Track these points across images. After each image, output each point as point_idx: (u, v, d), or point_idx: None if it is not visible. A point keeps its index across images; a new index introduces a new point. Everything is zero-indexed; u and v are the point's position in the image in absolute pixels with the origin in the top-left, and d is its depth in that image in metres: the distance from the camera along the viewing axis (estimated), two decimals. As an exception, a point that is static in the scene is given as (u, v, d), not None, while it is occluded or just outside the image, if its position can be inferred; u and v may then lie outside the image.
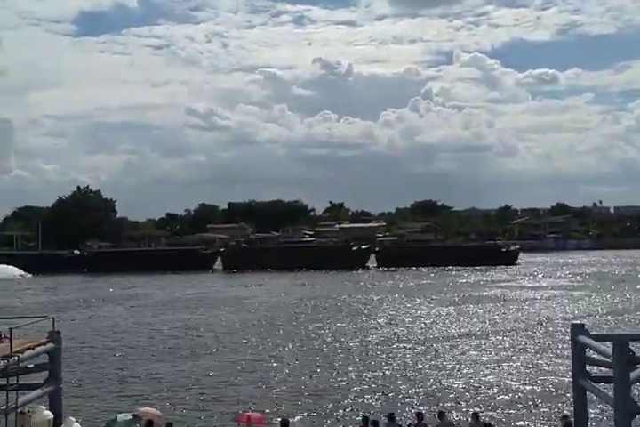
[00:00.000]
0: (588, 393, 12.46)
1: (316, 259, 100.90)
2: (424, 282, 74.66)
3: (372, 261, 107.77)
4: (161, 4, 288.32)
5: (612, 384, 10.56)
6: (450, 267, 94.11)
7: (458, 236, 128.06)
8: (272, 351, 32.76)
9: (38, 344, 15.50)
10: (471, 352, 31.58)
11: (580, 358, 12.56)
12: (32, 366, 15.58)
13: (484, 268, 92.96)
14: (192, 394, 24.65)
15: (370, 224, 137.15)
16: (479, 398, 22.99)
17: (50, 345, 15.86)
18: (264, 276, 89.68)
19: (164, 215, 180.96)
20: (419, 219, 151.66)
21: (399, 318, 44.52)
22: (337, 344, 34.66)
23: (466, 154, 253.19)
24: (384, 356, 31.20)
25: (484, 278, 77.60)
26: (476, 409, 19.35)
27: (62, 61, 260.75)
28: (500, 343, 33.90)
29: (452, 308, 49.11)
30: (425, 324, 41.26)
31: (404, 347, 33.32)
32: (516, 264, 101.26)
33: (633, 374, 10.17)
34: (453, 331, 38.24)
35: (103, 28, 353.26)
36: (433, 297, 56.61)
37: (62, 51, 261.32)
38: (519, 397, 23.14)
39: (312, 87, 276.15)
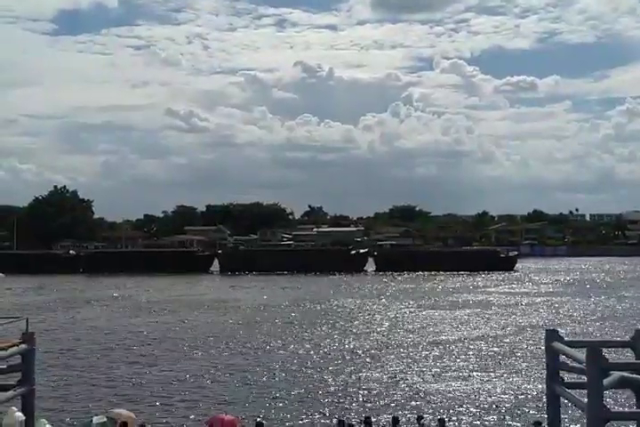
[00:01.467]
0: (561, 399, 12.55)
1: (315, 262, 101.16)
2: (418, 286, 74.89)
3: (369, 265, 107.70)
4: (141, 5, 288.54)
5: (585, 390, 10.64)
6: (448, 272, 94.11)
7: (436, 241, 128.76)
8: (251, 355, 32.69)
9: (11, 345, 15.32)
10: (448, 357, 31.68)
11: (553, 363, 12.64)
12: (4, 367, 15.41)
13: (483, 273, 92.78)
14: (166, 397, 24.51)
15: (348, 228, 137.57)
16: (452, 404, 23.07)
17: (23, 346, 15.68)
18: (259, 278, 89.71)
19: (141, 217, 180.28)
20: (397, 223, 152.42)
21: (383, 322, 44.47)
22: (319, 349, 34.63)
23: (445, 159, 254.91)
24: (362, 360, 31.24)
25: (485, 283, 77.97)
26: (443, 416, 19.36)
27: (40, 60, 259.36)
28: (478, 349, 34.04)
29: (440, 312, 49.26)
30: (409, 329, 41.24)
31: (383, 352, 33.37)
32: (514, 270, 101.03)
33: (606, 381, 10.25)
34: (437, 336, 38.32)
35: (83, 28, 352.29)
36: (423, 302, 56.82)
37: (41, 49, 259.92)
38: (492, 403, 23.25)
39: (293, 90, 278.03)
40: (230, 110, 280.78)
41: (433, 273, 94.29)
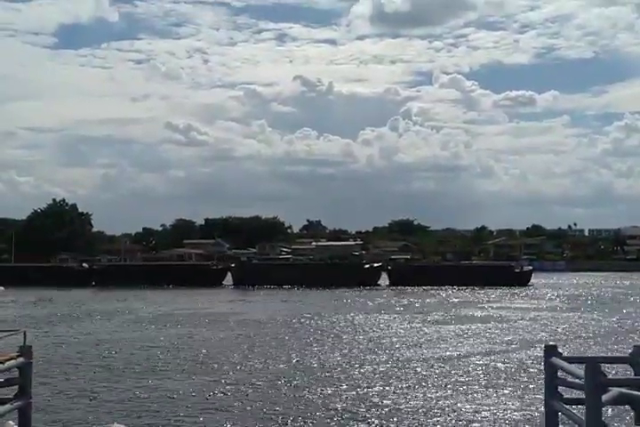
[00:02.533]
0: (560, 415, 12.51)
1: (329, 276, 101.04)
2: (431, 301, 74.73)
3: (383, 279, 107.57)
4: (142, 19, 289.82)
5: (584, 406, 10.61)
6: (463, 287, 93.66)
7: (435, 255, 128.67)
8: (246, 373, 32.50)
9: (8, 358, 15.28)
10: (446, 374, 31.57)
11: (552, 379, 12.62)
12: (2, 380, 15.36)
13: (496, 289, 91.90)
14: (163, 413, 24.40)
15: (346, 242, 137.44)
16: (450, 422, 22.96)
17: (20, 360, 15.64)
18: (271, 292, 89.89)
19: (140, 230, 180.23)
20: (396, 238, 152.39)
21: (383, 338, 43.98)
22: (320, 366, 34.48)
23: (443, 174, 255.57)
24: (356, 377, 31.12)
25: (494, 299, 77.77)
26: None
27: (41, 73, 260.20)
28: (479, 365, 33.93)
29: (453, 327, 48.86)
30: (413, 344, 40.94)
31: (382, 369, 33.23)
32: (528, 285, 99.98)
33: (605, 397, 10.23)
34: (441, 352, 38.19)
35: (83, 42, 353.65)
36: (434, 317, 56.54)
37: (41, 63, 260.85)
38: (490, 419, 23.14)
39: (292, 104, 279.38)
40: (229, 124, 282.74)
41: (446, 288, 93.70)
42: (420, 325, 51.22)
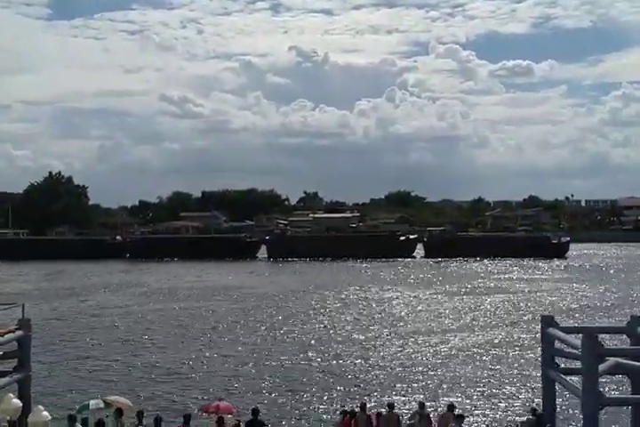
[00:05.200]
0: (557, 385, 12.59)
1: (363, 247, 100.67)
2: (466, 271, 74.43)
3: (418, 251, 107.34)
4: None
5: (580, 376, 10.67)
6: (498, 258, 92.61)
7: (432, 227, 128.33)
8: (250, 344, 32.63)
9: (7, 331, 15.33)
10: (452, 344, 31.82)
11: (549, 350, 12.69)
12: (1, 353, 15.43)
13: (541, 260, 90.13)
14: (163, 384, 24.60)
15: (343, 215, 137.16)
16: (452, 390, 23.17)
17: (19, 333, 15.70)
18: (305, 264, 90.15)
19: (136, 203, 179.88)
20: (393, 209, 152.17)
21: (394, 309, 44.35)
22: (337, 337, 34.58)
23: (440, 145, 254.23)
24: (364, 348, 31.37)
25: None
26: (452, 400, 19.47)
27: (35, 45, 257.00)
28: (482, 335, 34.18)
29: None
30: (428, 317, 41.05)
31: (388, 340, 33.44)
32: (565, 257, 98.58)
33: (601, 367, 10.29)
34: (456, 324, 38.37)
35: (76, 12, 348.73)
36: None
37: (35, 34, 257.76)
38: (490, 388, 23.36)
39: (287, 75, 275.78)
40: (225, 96, 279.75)
41: (480, 259, 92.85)
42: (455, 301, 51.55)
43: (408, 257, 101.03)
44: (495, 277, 68.12)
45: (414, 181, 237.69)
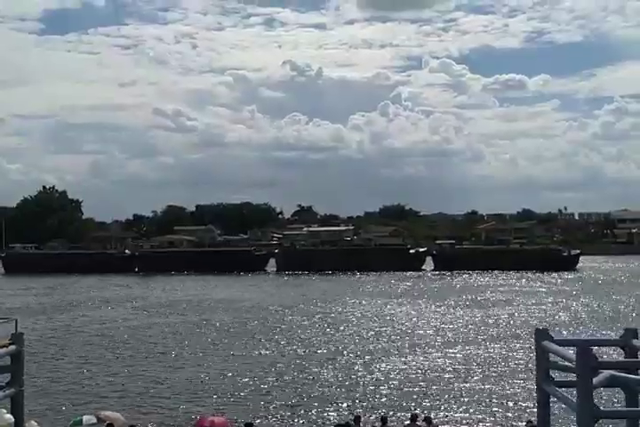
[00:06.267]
0: (551, 398, 12.58)
1: (373, 261, 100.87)
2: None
3: (428, 264, 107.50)
4: (129, 4, 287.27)
5: (575, 389, 10.67)
6: (509, 272, 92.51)
7: (426, 240, 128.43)
8: (243, 358, 32.54)
9: (0, 346, 15.24)
10: (449, 357, 31.75)
11: (543, 362, 12.66)
12: (-7, 368, 15.33)
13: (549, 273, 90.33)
14: (157, 398, 24.47)
15: (338, 228, 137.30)
16: (446, 403, 23.11)
17: (12, 347, 15.61)
18: (315, 277, 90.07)
19: (130, 217, 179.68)
20: (387, 223, 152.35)
21: (395, 322, 44.25)
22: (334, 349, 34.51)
23: (434, 159, 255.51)
24: (355, 360, 31.27)
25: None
26: (447, 414, 19.44)
27: (28, 60, 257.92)
28: (479, 348, 34.12)
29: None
30: (428, 330, 40.99)
31: (384, 352, 33.38)
32: (575, 270, 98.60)
33: (596, 380, 10.27)
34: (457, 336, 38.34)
35: (70, 27, 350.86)
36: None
37: (28, 49, 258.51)
38: (486, 401, 23.30)
39: (281, 89, 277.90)
40: (219, 109, 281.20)
41: (491, 272, 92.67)
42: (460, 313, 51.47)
43: (418, 270, 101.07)
44: (504, 289, 68.37)
45: (408, 195, 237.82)
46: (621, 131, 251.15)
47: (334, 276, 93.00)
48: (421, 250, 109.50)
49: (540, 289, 68.38)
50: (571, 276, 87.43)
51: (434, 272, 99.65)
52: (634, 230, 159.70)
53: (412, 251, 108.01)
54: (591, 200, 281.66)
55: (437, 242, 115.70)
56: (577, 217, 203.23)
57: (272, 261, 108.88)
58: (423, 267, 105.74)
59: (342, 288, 72.28)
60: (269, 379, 27.14)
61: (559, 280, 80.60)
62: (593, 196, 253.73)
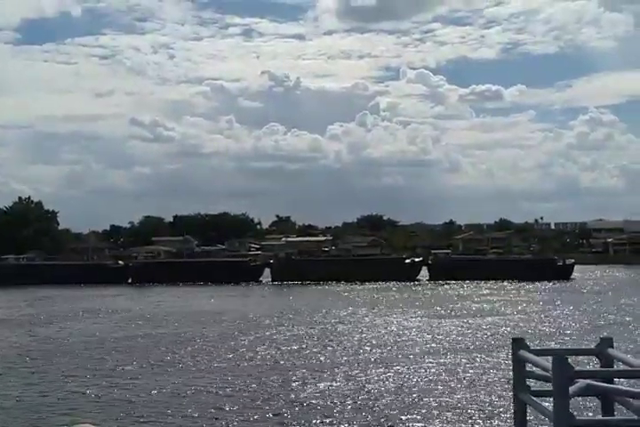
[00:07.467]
0: (528, 407, 12.67)
1: (369, 271, 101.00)
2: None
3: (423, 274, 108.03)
4: (106, 14, 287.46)
5: (551, 398, 10.76)
6: (505, 281, 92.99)
7: (404, 250, 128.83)
8: (224, 369, 32.37)
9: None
10: (427, 368, 31.80)
11: (520, 372, 12.75)
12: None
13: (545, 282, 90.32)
14: (142, 409, 24.28)
15: (316, 238, 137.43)
16: (420, 414, 23.14)
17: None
18: (307, 288, 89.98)
19: (107, 227, 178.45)
20: (365, 233, 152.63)
21: (370, 336, 44.08)
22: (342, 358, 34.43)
23: (412, 169, 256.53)
24: (335, 372, 31.25)
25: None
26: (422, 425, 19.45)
27: (5, 70, 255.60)
28: (457, 358, 34.22)
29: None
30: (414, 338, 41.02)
31: (360, 363, 33.36)
32: (570, 279, 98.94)
33: (572, 389, 10.37)
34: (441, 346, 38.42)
35: (47, 37, 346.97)
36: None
37: (5, 59, 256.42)
38: (463, 412, 23.37)
39: (260, 99, 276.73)
40: (196, 120, 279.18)
41: (487, 282, 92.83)
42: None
43: (413, 280, 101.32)
44: (497, 298, 68.74)
45: (386, 205, 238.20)
46: (596, 141, 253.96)
47: (329, 286, 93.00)
48: (417, 260, 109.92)
49: (535, 298, 68.87)
50: (568, 284, 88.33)
51: (430, 282, 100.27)
52: (609, 240, 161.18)
53: (407, 261, 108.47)
54: (567, 210, 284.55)
55: (433, 251, 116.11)
56: (553, 227, 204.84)
57: (267, 272, 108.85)
58: (418, 277, 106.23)
59: (335, 299, 72.17)
60: (253, 391, 27.03)
61: (552, 288, 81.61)
62: (569, 205, 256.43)
